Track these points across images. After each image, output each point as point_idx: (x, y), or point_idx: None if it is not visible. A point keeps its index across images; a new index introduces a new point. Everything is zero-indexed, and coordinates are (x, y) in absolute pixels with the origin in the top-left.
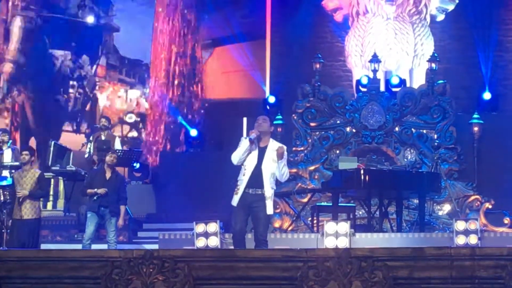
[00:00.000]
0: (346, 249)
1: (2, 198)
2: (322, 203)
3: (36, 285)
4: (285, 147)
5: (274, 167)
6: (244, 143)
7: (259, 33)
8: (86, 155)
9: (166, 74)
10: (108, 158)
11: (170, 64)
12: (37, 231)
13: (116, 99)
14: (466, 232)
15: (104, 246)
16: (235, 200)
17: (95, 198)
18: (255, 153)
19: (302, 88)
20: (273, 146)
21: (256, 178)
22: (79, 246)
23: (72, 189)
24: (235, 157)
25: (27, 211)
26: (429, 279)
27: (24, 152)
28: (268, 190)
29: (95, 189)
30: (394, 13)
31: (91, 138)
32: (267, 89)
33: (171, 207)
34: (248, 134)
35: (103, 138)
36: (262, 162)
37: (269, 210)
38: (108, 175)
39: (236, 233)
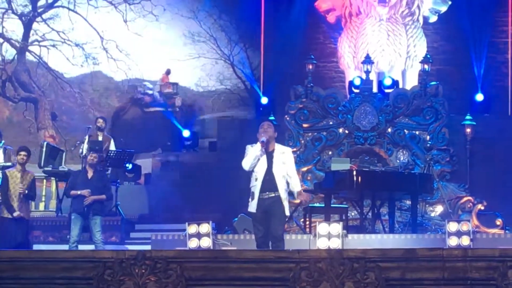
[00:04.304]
0: (338, 250)
1: None
2: (315, 204)
3: (28, 285)
4: (291, 150)
5: (284, 170)
6: (254, 149)
7: (252, 34)
8: (81, 155)
9: None
10: (89, 158)
11: None
12: (28, 231)
13: None
14: (459, 234)
15: (92, 247)
16: (252, 206)
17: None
18: (263, 158)
19: (294, 89)
20: (280, 149)
21: (269, 182)
22: None
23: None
24: (247, 163)
25: (24, 211)
26: (421, 280)
27: (22, 153)
28: (283, 192)
29: (79, 191)
30: (387, 14)
31: (84, 139)
32: (260, 90)
33: (163, 208)
34: (258, 139)
35: (100, 138)
36: (272, 166)
37: (286, 211)
38: (90, 174)
39: (261, 237)
